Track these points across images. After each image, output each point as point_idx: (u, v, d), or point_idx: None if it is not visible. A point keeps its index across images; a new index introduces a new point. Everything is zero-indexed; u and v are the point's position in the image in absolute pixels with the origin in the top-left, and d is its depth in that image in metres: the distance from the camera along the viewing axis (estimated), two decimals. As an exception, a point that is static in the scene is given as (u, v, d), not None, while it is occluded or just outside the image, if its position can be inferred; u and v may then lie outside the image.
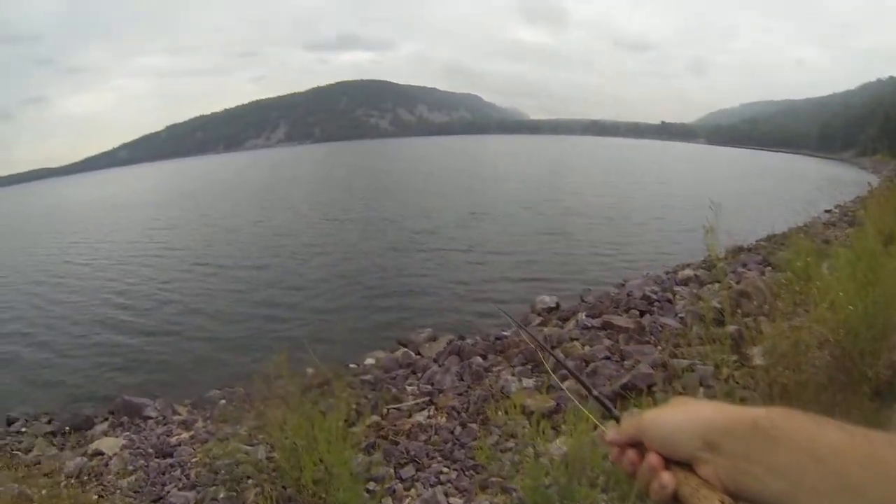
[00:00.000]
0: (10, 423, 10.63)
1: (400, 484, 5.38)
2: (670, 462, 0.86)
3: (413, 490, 5.28)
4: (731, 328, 6.91)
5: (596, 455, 3.77)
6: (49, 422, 10.49)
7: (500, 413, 6.49)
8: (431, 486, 5.26)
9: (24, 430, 10.19)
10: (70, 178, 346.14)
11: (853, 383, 4.52)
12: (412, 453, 5.88)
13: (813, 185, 49.73)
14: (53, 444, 9.24)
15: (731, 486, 0.79)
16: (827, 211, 29.28)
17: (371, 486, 5.33)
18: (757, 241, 20.16)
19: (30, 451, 8.90)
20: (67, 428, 9.95)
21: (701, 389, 5.53)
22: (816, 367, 4.50)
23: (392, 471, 5.58)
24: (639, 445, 0.91)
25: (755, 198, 36.31)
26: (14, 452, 8.79)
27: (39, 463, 7.95)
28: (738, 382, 5.10)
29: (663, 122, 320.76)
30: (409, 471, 5.58)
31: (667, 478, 0.85)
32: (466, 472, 5.34)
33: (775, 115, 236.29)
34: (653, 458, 0.87)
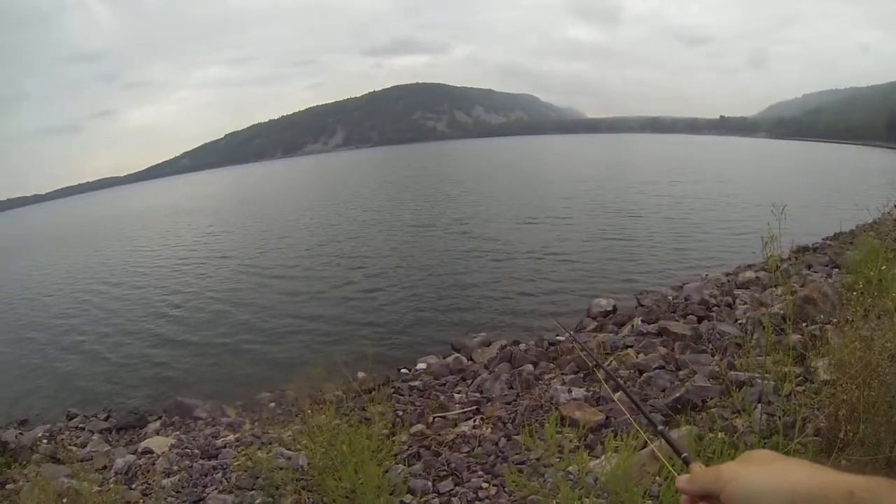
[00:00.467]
0: (70, 418, 11.12)
1: (437, 499, 5.19)
2: None
3: (450, 505, 5.08)
4: (794, 338, 6.54)
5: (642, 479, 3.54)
6: (106, 418, 10.91)
7: (545, 426, 6.28)
8: (469, 502, 5.05)
9: (81, 425, 10.59)
10: (135, 185, 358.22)
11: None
12: (453, 465, 5.69)
13: (882, 178, 47.97)
14: (108, 441, 9.54)
15: None
16: (898, 205, 28.10)
17: (407, 499, 5.16)
18: (823, 239, 19.41)
19: (85, 446, 9.19)
20: (122, 425, 10.28)
21: (759, 406, 5.19)
22: (889, 385, 4.15)
23: (430, 484, 5.39)
24: (713, 499, 0.88)
25: (819, 193, 35.11)
26: (70, 447, 9.00)
27: (91, 458, 8.17)
28: (799, 399, 4.75)
29: (722, 117, 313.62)
30: (447, 485, 5.39)
31: None
32: (506, 489, 5.12)
33: (840, 104, 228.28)
34: None
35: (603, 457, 4.85)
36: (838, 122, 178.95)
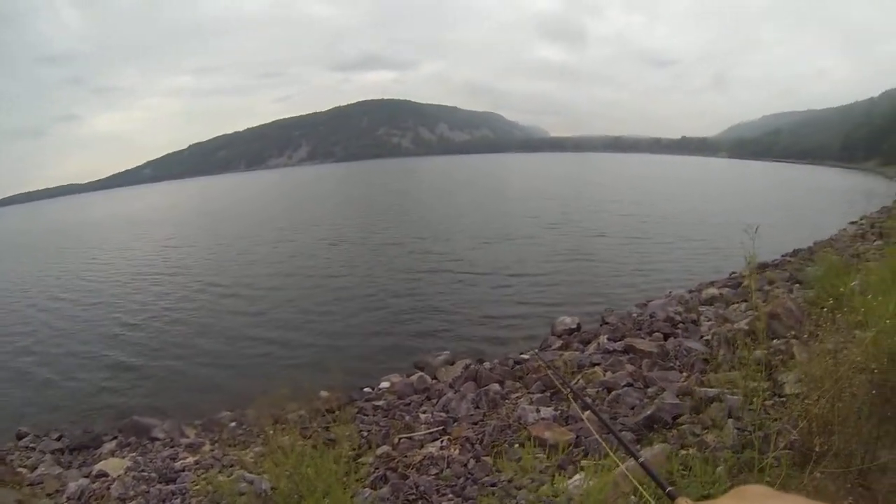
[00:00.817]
0: (20, 437, 10.63)
1: (406, 524, 5.05)
2: None
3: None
4: (760, 353, 6.56)
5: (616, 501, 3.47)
6: (58, 438, 10.44)
7: (518, 448, 6.18)
8: (438, 528, 4.93)
9: (32, 445, 10.16)
10: (96, 193, 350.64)
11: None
12: (421, 489, 5.54)
13: (837, 197, 49.14)
14: (60, 463, 9.13)
15: None
16: (853, 222, 28.82)
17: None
18: (783, 256, 19.69)
19: (36, 468, 8.80)
20: (75, 446, 9.88)
21: (730, 421, 5.16)
22: (856, 397, 4.15)
23: (398, 509, 5.25)
24: None
25: (778, 211, 35.69)
26: (19, 469, 8.64)
27: (42, 482, 7.82)
28: (769, 413, 4.74)
29: (684, 137, 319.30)
30: (416, 509, 5.25)
31: None
32: (479, 513, 5.00)
33: (798, 125, 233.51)
34: None
35: (577, 476, 4.78)
36: (795, 143, 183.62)
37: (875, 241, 19.49)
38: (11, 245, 54.16)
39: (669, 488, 1.12)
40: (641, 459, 1.27)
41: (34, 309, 22.69)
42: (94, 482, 7.58)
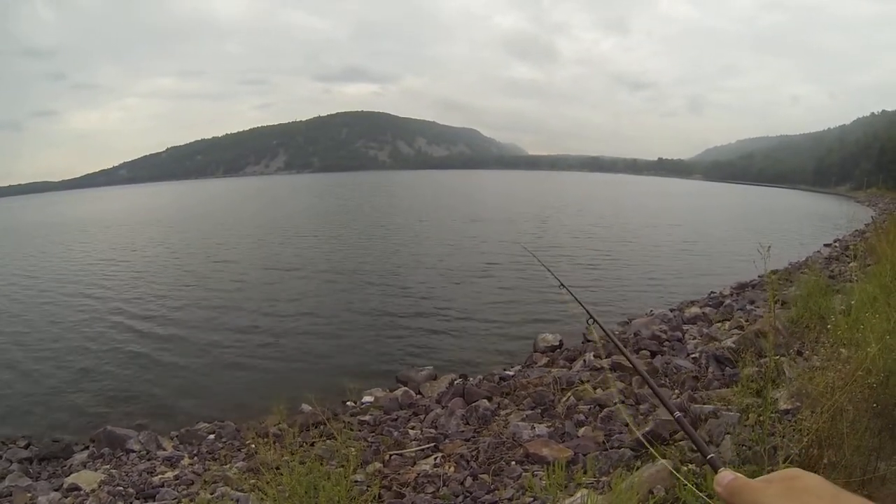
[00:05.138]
0: None
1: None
2: None
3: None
4: (750, 370, 6.63)
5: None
6: (26, 446, 9.99)
7: (512, 464, 6.18)
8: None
9: None
10: (68, 192, 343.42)
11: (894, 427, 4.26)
12: (420, 508, 5.50)
13: (811, 220, 49.93)
14: (28, 473, 8.74)
15: None
16: (827, 245, 29.31)
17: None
18: (760, 276, 19.92)
19: (3, 478, 8.43)
20: (44, 455, 9.49)
21: (727, 437, 5.21)
22: (856, 411, 4.23)
23: (399, 529, 5.20)
24: None
25: (753, 234, 36.09)
26: None
27: (11, 494, 7.51)
28: (765, 429, 4.79)
29: (660, 159, 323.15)
30: (416, 530, 5.20)
31: None
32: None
33: (772, 150, 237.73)
34: None
35: (578, 494, 4.78)
36: (770, 166, 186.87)
37: (850, 262, 19.78)
38: None
39: (711, 455, 1.12)
40: (677, 415, 1.27)
41: (1, 308, 22.17)
42: (66, 496, 7.29)
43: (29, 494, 7.51)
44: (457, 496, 5.67)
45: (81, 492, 7.44)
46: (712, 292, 18.44)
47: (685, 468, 4.74)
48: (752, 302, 14.71)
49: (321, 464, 4.67)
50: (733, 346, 8.93)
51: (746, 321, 11.88)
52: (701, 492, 3.91)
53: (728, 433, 5.29)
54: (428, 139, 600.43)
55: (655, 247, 32.73)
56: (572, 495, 4.91)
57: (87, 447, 9.83)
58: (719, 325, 12.67)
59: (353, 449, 4.92)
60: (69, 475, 8.23)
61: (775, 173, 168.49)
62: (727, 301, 15.72)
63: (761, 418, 4.91)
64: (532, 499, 5.02)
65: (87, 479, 7.90)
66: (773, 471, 0.87)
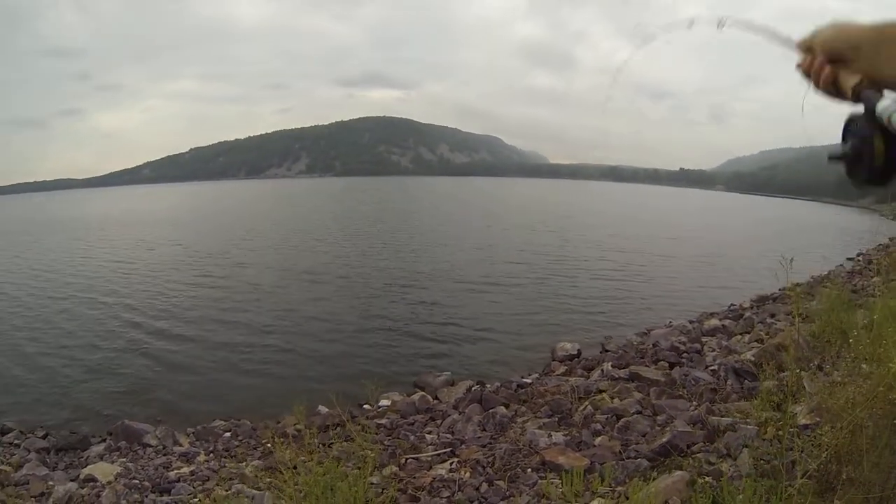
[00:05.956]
0: (3, 433, 10.27)
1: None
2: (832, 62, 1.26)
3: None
4: (770, 383, 6.59)
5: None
6: (44, 436, 10.10)
7: (528, 471, 6.18)
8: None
9: (17, 442, 9.84)
10: (91, 190, 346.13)
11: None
12: (435, 513, 5.51)
13: (833, 233, 49.47)
14: (46, 463, 8.86)
15: (872, 74, 1.19)
16: (850, 259, 29.01)
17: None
18: (781, 289, 19.76)
19: (21, 466, 8.52)
20: (62, 446, 9.59)
21: (745, 450, 5.18)
22: (871, 428, 4.20)
23: (413, 533, 5.20)
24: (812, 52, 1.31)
25: (774, 246, 35.81)
26: (3, 467, 8.42)
27: (28, 483, 7.62)
28: (784, 443, 4.75)
29: (682, 169, 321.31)
30: (431, 534, 5.20)
31: (829, 69, 1.27)
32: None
33: (794, 161, 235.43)
34: (821, 58, 1.27)
35: (593, 503, 4.78)
36: (792, 178, 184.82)
37: (873, 277, 19.57)
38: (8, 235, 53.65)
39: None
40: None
41: (25, 301, 22.43)
42: (82, 487, 7.32)
43: (46, 483, 7.60)
44: (472, 501, 5.67)
45: (98, 483, 7.50)
46: (732, 305, 18.32)
47: (701, 480, 4.72)
48: (772, 315, 14.57)
49: (338, 465, 4.69)
50: (753, 359, 8.87)
51: (766, 334, 11.77)
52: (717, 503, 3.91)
53: (746, 446, 5.26)
54: (450, 146, 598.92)
55: (675, 258, 32.54)
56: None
57: (104, 440, 9.96)
58: (739, 337, 12.57)
59: (370, 451, 4.93)
60: (86, 466, 8.35)
61: (798, 185, 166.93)
62: (747, 314, 15.59)
63: (780, 432, 4.89)
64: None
65: (103, 470, 7.98)
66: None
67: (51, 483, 7.62)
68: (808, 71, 1.31)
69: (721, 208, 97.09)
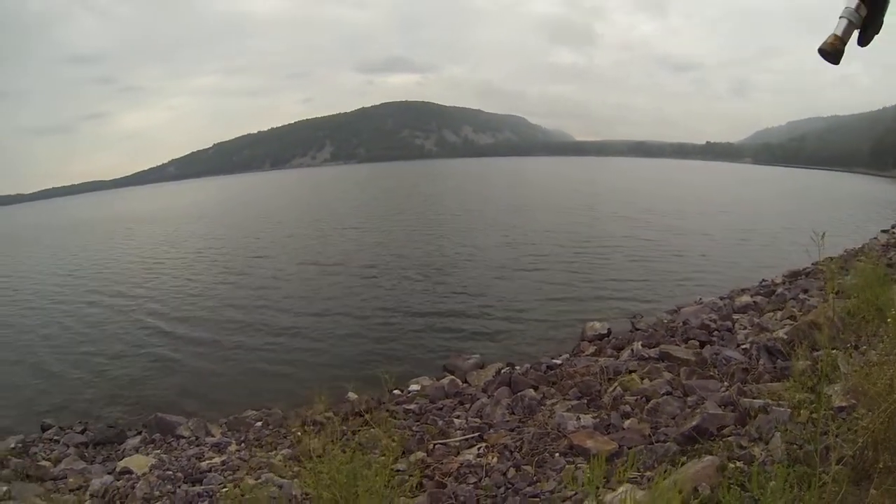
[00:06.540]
0: (44, 429, 10.65)
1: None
2: None
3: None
4: (803, 364, 6.43)
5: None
6: (82, 431, 10.43)
7: (556, 455, 6.09)
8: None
9: (56, 438, 10.17)
10: (120, 190, 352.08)
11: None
12: (461, 499, 5.41)
13: (866, 204, 48.47)
14: (83, 457, 9.12)
15: None
16: (884, 231, 28.40)
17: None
18: (814, 264, 19.40)
19: (59, 461, 8.80)
20: (99, 440, 9.89)
21: (777, 434, 5.04)
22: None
23: (438, 520, 5.15)
24: None
25: (805, 219, 35.21)
26: (43, 462, 8.67)
27: (66, 477, 7.84)
28: (818, 428, 4.56)
29: (708, 143, 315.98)
30: (457, 521, 5.14)
31: None
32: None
33: (823, 132, 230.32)
34: None
35: (621, 489, 4.69)
36: (822, 148, 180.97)
37: (910, 250, 19.16)
38: (36, 240, 54.72)
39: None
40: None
41: (59, 301, 23.11)
42: (118, 479, 7.54)
43: (83, 477, 7.77)
44: (499, 487, 5.61)
45: (133, 475, 7.66)
46: (763, 280, 18.03)
47: (732, 465, 4.61)
48: (805, 291, 14.25)
49: (363, 453, 4.64)
50: (785, 337, 8.69)
51: (799, 311, 11.54)
52: (746, 491, 3.77)
53: (778, 430, 5.12)
54: (474, 127, 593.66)
55: (705, 234, 32.13)
56: (614, 490, 4.82)
57: (139, 433, 10.25)
58: (771, 314, 12.32)
59: (394, 439, 4.88)
60: (122, 459, 8.59)
61: (829, 155, 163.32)
62: (779, 290, 15.29)
63: (814, 416, 4.72)
64: (573, 493, 4.93)
65: (138, 463, 8.17)
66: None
67: (88, 477, 7.82)
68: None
69: (750, 181, 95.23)
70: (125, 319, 19.17)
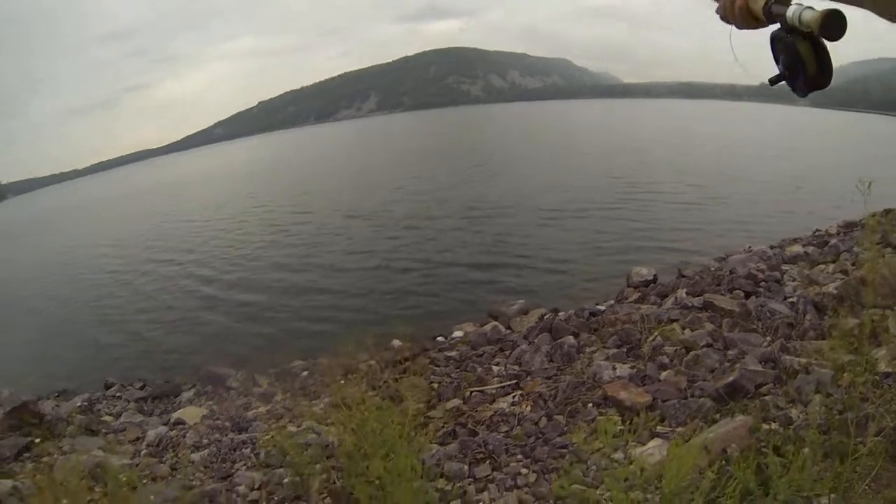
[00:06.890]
0: (107, 387, 11.30)
1: (473, 485, 4.97)
2: None
3: (486, 494, 4.84)
4: (850, 322, 6.22)
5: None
6: (142, 387, 11.09)
7: (589, 406, 6.06)
8: (507, 489, 4.83)
9: (118, 394, 10.81)
10: (169, 156, 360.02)
11: None
12: (490, 447, 5.46)
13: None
14: (142, 411, 9.69)
15: None
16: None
17: (441, 483, 4.96)
18: (873, 215, 18.68)
19: (120, 416, 9.36)
20: (157, 394, 10.49)
21: (817, 397, 4.91)
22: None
23: (466, 467, 5.18)
24: None
25: (869, 167, 33.93)
26: (105, 417, 9.23)
27: (125, 430, 8.32)
28: (860, 393, 4.38)
29: (762, 84, 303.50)
30: (484, 469, 5.15)
31: (740, 1, 1.39)
32: (546, 476, 4.88)
33: (892, 73, 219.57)
34: None
35: (651, 444, 4.64)
36: (890, 92, 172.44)
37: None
38: (89, 212, 56.82)
39: None
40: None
41: (117, 266, 24.24)
42: (171, 430, 8.02)
43: (140, 429, 8.34)
44: (529, 436, 5.63)
45: (185, 425, 8.18)
46: (817, 230, 17.45)
47: (766, 427, 4.51)
48: (859, 244, 13.76)
49: (399, 400, 4.69)
50: (835, 292, 8.42)
51: (853, 265, 11.15)
52: (779, 456, 3.63)
53: (818, 392, 4.98)
54: (521, 71, 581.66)
55: (757, 180, 31.05)
56: (644, 444, 4.78)
57: (193, 386, 10.88)
58: (822, 266, 11.93)
59: (424, 386, 4.91)
60: (176, 411, 9.17)
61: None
62: (832, 241, 14.72)
63: (857, 380, 4.55)
64: (602, 446, 4.90)
65: (191, 414, 8.73)
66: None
67: (145, 428, 8.34)
68: (724, 11, 1.48)
69: (808, 124, 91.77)
70: (179, 282, 19.92)
